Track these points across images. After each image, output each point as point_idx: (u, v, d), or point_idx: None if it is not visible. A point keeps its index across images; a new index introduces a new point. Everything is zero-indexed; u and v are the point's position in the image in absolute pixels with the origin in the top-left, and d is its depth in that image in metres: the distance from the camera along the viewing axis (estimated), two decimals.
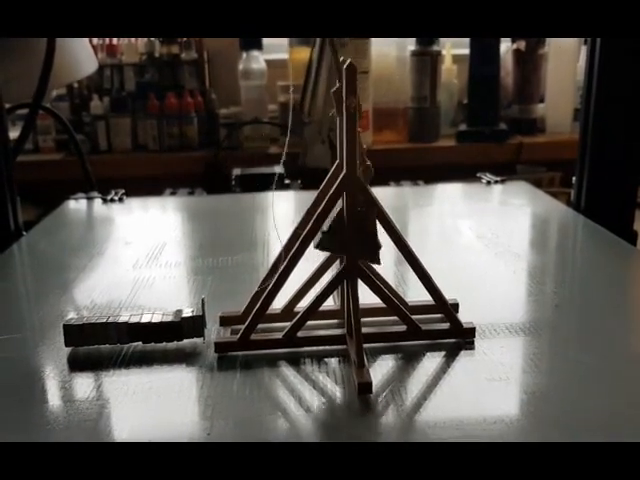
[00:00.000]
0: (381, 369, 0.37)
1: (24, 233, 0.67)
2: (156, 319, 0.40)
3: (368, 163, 0.40)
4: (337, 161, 0.40)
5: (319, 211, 0.38)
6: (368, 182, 0.39)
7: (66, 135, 1.22)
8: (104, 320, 0.39)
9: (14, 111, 0.86)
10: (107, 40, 1.38)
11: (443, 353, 0.39)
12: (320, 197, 0.40)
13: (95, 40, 1.36)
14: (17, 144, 0.78)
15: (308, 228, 0.39)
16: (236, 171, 1.03)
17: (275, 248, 0.59)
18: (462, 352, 0.39)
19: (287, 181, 1.06)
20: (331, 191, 0.38)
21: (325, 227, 0.38)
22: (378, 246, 0.38)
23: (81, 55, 1.10)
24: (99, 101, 1.35)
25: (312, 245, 0.39)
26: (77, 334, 0.39)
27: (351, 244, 0.38)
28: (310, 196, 0.77)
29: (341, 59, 0.37)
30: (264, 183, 1.02)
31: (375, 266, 0.41)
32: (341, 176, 0.37)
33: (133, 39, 1.39)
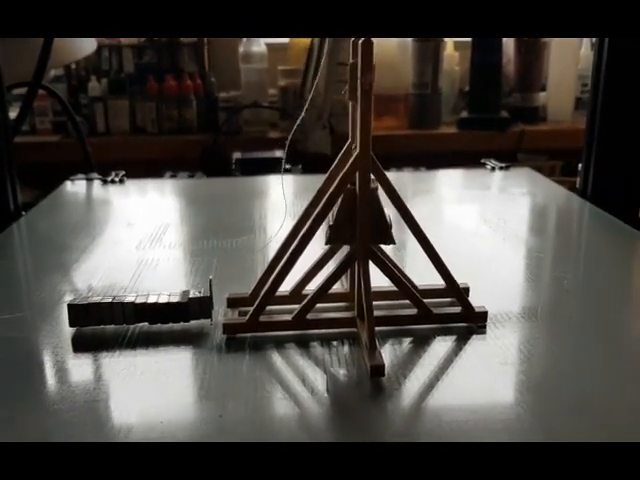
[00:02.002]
0: (392, 352, 0.37)
1: (23, 213, 0.66)
2: (163, 299, 0.39)
3: None
4: (349, 140, 0.39)
5: (331, 190, 0.38)
6: None
7: (63, 117, 1.21)
8: (110, 300, 0.39)
9: (13, 89, 0.85)
10: None
11: (454, 337, 0.38)
12: (331, 177, 0.39)
13: None
14: (16, 123, 0.76)
15: (319, 208, 0.38)
16: (236, 155, 1.02)
17: (280, 232, 0.58)
18: (474, 336, 0.38)
19: (288, 166, 1.05)
20: (344, 170, 0.37)
21: (331, 221, 0.37)
22: (388, 226, 0.38)
23: None
24: (97, 83, 1.33)
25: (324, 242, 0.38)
26: (82, 314, 0.38)
27: (364, 227, 0.37)
28: (311, 180, 0.77)
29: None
30: (264, 167, 1.01)
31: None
32: (354, 156, 0.36)
33: None
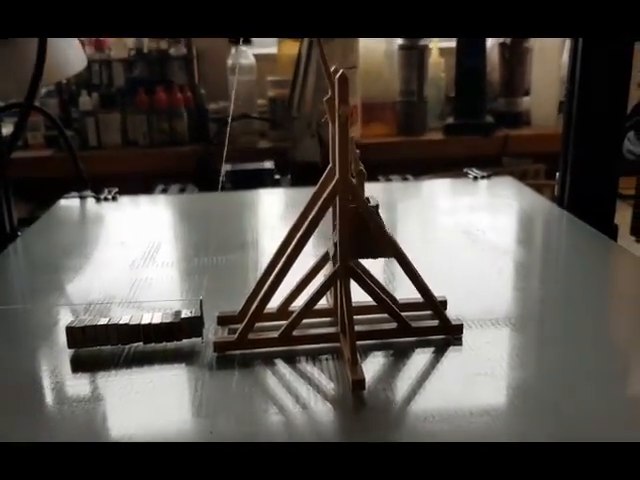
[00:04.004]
0: (373, 365, 0.39)
1: (19, 233, 0.68)
2: (156, 320, 0.41)
3: (361, 167, 0.41)
4: (330, 165, 0.42)
5: (313, 214, 0.40)
6: (363, 185, 0.41)
7: (56, 131, 1.23)
8: (105, 322, 0.41)
9: (5, 111, 0.86)
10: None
11: (432, 349, 0.41)
12: (314, 200, 0.42)
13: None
14: (9, 145, 0.78)
15: (302, 230, 0.40)
16: (226, 167, 1.04)
17: (267, 247, 0.60)
18: (450, 348, 0.41)
19: (277, 176, 1.07)
20: (324, 195, 0.39)
21: (334, 239, 0.40)
22: (390, 240, 0.40)
23: (70, 53, 1.10)
24: (88, 97, 1.35)
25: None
26: (79, 336, 0.40)
27: (344, 247, 0.39)
28: (300, 193, 0.79)
29: (332, 68, 0.38)
30: (255, 179, 1.03)
31: (367, 264, 0.43)
32: (334, 181, 0.39)
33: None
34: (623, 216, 0.83)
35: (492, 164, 1.31)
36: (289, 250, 0.41)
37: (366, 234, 0.40)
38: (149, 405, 0.35)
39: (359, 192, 0.40)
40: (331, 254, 0.41)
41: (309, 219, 0.40)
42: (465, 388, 0.36)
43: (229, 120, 0.55)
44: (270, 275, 0.42)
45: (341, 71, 0.36)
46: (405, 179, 0.94)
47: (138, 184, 0.92)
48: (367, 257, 0.41)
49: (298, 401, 0.36)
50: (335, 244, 0.40)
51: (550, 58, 1.42)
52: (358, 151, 0.41)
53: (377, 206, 0.40)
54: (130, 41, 1.38)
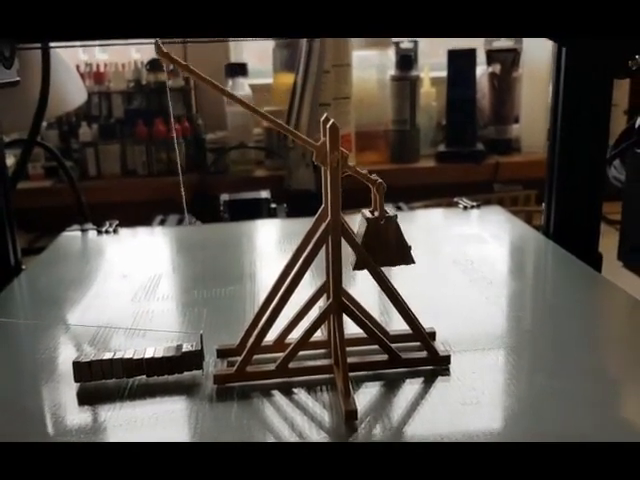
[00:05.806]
0: (365, 396, 0.41)
1: (24, 267, 0.70)
2: (158, 354, 0.43)
3: (380, 181, 0.42)
4: (322, 206, 0.44)
5: (306, 253, 0.42)
6: (382, 196, 0.42)
7: (55, 162, 1.26)
8: (110, 356, 0.43)
9: (9, 147, 0.89)
10: (94, 68, 1.41)
11: (421, 379, 0.43)
12: (307, 238, 0.44)
13: (82, 68, 1.39)
14: (13, 179, 0.81)
15: (296, 269, 0.42)
16: (224, 197, 1.07)
17: (265, 279, 0.62)
18: (439, 378, 0.43)
19: (273, 205, 1.10)
20: (317, 235, 0.42)
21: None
22: (408, 248, 0.43)
23: (71, 87, 1.14)
24: (88, 128, 1.38)
25: (350, 268, 0.42)
26: (86, 370, 0.42)
27: (336, 283, 0.42)
28: (295, 224, 0.81)
29: (323, 116, 0.41)
30: (252, 208, 1.06)
31: (359, 297, 0.45)
32: (326, 222, 0.41)
33: (120, 67, 1.42)
34: (611, 240, 0.86)
35: (483, 190, 1.35)
36: (284, 287, 0.43)
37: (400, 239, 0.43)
38: (153, 437, 0.37)
39: (351, 233, 0.42)
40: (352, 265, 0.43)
41: (303, 258, 0.43)
42: (452, 417, 0.38)
43: (176, 150, 0.56)
44: (266, 310, 0.44)
45: (332, 121, 0.39)
46: (398, 208, 0.97)
47: (137, 212, 0.94)
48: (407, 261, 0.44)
49: (294, 430, 0.38)
50: (328, 280, 0.42)
51: (539, 86, 1.46)
52: (364, 170, 0.42)
53: (396, 216, 0.42)
54: (128, 73, 1.42)
